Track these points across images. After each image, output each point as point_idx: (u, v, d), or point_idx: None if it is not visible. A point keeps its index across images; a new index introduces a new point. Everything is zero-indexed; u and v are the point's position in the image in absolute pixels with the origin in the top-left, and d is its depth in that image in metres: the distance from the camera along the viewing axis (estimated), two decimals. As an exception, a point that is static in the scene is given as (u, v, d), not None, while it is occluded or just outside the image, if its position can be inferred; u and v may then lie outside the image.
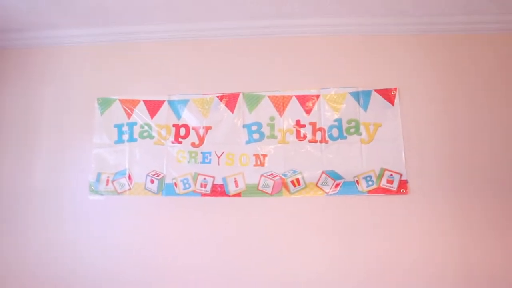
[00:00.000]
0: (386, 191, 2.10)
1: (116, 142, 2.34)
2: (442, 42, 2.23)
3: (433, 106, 2.16)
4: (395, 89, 2.18)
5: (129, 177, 2.29)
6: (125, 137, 2.34)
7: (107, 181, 2.30)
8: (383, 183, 2.11)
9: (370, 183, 2.12)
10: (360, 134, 2.16)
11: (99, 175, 2.31)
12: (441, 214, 2.06)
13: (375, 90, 2.19)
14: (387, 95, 2.18)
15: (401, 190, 2.09)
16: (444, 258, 2.02)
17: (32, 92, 2.46)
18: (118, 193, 2.28)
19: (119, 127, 2.35)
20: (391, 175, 2.11)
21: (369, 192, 2.11)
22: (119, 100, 2.38)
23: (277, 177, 2.17)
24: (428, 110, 2.16)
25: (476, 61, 2.19)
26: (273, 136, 2.21)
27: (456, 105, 2.15)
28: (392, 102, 2.17)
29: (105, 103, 2.39)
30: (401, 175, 2.10)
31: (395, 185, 2.10)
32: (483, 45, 2.20)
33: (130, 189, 2.28)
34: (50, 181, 2.35)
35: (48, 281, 2.24)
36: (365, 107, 2.18)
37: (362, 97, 2.19)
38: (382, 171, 2.11)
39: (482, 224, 2.04)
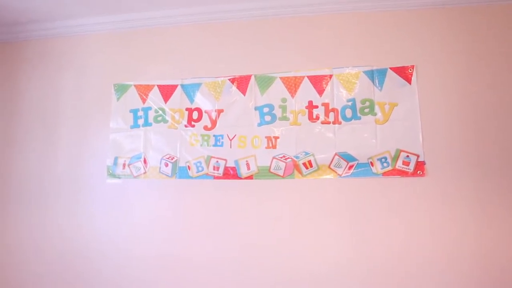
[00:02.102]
0: (401, 173, 2.03)
1: (132, 127, 2.39)
2: (463, 15, 2.10)
3: (453, 84, 2.05)
4: (412, 66, 2.09)
5: (145, 161, 2.33)
6: (140, 121, 2.38)
7: (124, 165, 2.36)
8: (399, 164, 2.04)
9: (385, 164, 2.05)
10: (375, 114, 2.09)
11: (116, 159, 2.37)
12: (460, 197, 1.96)
13: (391, 68, 2.11)
14: (404, 73, 2.10)
15: (418, 172, 2.01)
16: (461, 243, 1.93)
17: (52, 81, 2.55)
18: (134, 177, 2.34)
19: (134, 112, 2.40)
20: (407, 156, 2.03)
21: (384, 174, 2.05)
22: (134, 85, 2.42)
23: (289, 159, 2.14)
24: (447, 88, 2.06)
25: (499, 35, 2.06)
26: (285, 118, 2.18)
27: (477, 83, 2.03)
28: (409, 80, 2.09)
29: (121, 89, 2.43)
30: (418, 156, 2.02)
31: (411, 167, 2.02)
32: (507, 17, 2.06)
33: (145, 172, 2.32)
34: (70, 165, 2.44)
35: (68, 257, 2.34)
36: (380, 86, 2.11)
37: (377, 75, 2.12)
38: (398, 152, 2.04)
39: (501, 208, 1.92)
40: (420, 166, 2.01)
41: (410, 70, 2.10)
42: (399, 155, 2.04)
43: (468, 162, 1.97)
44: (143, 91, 2.40)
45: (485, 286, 1.88)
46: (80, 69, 2.53)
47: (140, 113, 2.39)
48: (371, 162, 2.06)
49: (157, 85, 2.38)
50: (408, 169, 2.02)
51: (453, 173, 1.98)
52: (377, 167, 2.05)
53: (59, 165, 2.45)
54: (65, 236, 2.37)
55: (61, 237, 2.37)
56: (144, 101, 2.39)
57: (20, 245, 2.43)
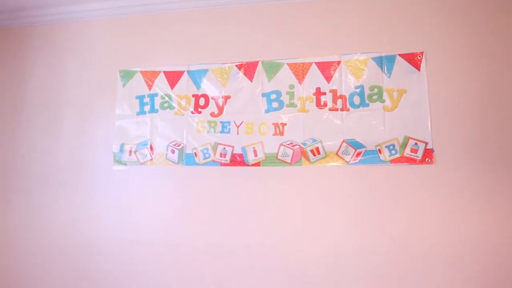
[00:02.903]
0: (410, 160, 2.02)
1: (138, 113, 2.38)
2: (472, 2, 2.07)
3: (462, 71, 2.03)
4: (422, 53, 2.07)
5: (151, 148, 2.32)
6: (147, 108, 2.37)
7: (130, 151, 2.35)
8: (407, 152, 2.03)
9: (393, 152, 2.04)
10: (383, 101, 2.08)
11: (122, 145, 2.37)
12: (468, 186, 1.96)
13: (400, 55, 2.09)
14: (413, 60, 2.08)
15: (426, 160, 2.00)
16: (467, 231, 1.93)
17: (56, 66, 2.54)
18: (141, 163, 2.33)
19: (140, 98, 2.38)
20: (416, 143, 2.02)
21: (392, 161, 2.04)
22: (140, 72, 2.40)
23: (296, 146, 2.13)
24: (457, 75, 2.03)
25: (510, 21, 2.02)
26: (292, 105, 2.17)
27: (487, 69, 2.01)
28: (418, 67, 2.07)
29: (127, 75, 2.42)
30: (426, 143, 2.01)
31: (419, 154, 2.01)
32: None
33: (152, 159, 2.32)
34: (76, 152, 2.43)
35: (73, 246, 2.34)
36: (388, 73, 2.09)
37: (385, 62, 2.10)
38: (406, 139, 2.03)
39: (509, 196, 1.91)
40: (428, 154, 2.00)
41: (419, 56, 2.08)
42: (407, 142, 2.03)
43: (477, 150, 1.96)
44: (149, 77, 2.38)
45: (489, 274, 1.89)
46: (85, 55, 2.51)
47: (146, 100, 2.37)
48: (379, 150, 2.05)
49: (163, 72, 2.37)
50: (416, 156, 2.01)
51: (462, 161, 1.97)
52: (385, 155, 2.05)
53: (64, 152, 2.45)
54: (71, 224, 2.37)
55: (66, 225, 2.38)
56: (150, 87, 2.37)
57: (24, 234, 2.43)
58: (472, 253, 1.91)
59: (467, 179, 1.95)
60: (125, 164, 2.35)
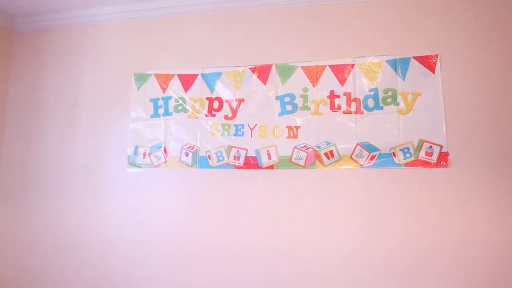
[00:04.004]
0: (424, 163, 2.02)
1: (152, 116, 2.40)
2: (487, 3, 2.05)
3: (478, 74, 2.02)
4: (436, 56, 2.06)
5: (165, 150, 2.34)
6: (161, 111, 2.39)
7: (144, 154, 2.38)
8: (422, 155, 2.02)
9: (407, 155, 2.04)
10: (398, 104, 2.08)
11: (136, 148, 2.39)
12: (483, 189, 1.94)
13: (414, 58, 2.08)
14: (427, 62, 2.07)
15: (441, 163, 2.00)
16: (484, 234, 1.91)
17: (72, 70, 2.57)
18: (155, 166, 2.35)
19: (154, 101, 2.41)
20: (431, 147, 2.01)
21: (406, 164, 2.04)
22: (154, 75, 2.42)
23: (310, 149, 2.14)
24: (472, 78, 2.02)
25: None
26: (306, 108, 2.18)
27: (502, 72, 1.99)
28: (432, 70, 2.06)
29: (141, 78, 2.44)
30: (441, 147, 2.00)
31: (434, 158, 2.01)
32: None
33: (166, 162, 2.34)
34: (91, 154, 2.46)
35: (87, 246, 2.37)
36: (403, 75, 2.09)
37: (399, 65, 2.09)
38: (421, 142, 2.02)
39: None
40: (443, 157, 1.99)
41: (434, 59, 2.07)
42: (422, 145, 2.02)
43: (492, 153, 1.95)
44: (163, 80, 2.40)
45: (509, 275, 1.87)
46: (99, 58, 2.54)
47: (160, 103, 2.39)
48: (393, 153, 2.05)
49: (177, 75, 2.38)
50: (431, 159, 2.01)
51: (477, 165, 1.96)
52: (400, 158, 2.04)
53: (79, 154, 2.48)
54: (84, 225, 2.40)
55: (80, 225, 2.41)
56: (164, 90, 2.40)
57: (39, 234, 2.47)
58: (489, 256, 1.89)
59: (483, 183, 1.94)
60: (139, 167, 2.38)
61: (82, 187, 2.44)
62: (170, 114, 2.37)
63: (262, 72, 2.25)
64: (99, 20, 2.54)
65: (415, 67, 2.08)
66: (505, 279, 1.88)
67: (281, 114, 2.21)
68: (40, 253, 2.45)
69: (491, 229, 1.91)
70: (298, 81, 2.20)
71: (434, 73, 2.06)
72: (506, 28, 2.02)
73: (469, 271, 1.90)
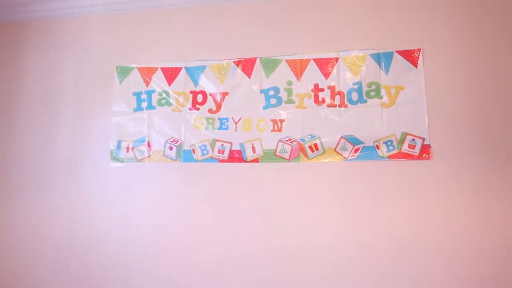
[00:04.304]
0: (407, 156, 2.04)
1: (135, 110, 2.36)
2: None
3: (459, 68, 2.05)
4: (419, 50, 2.09)
5: (148, 144, 2.31)
6: (144, 104, 2.35)
7: (127, 148, 2.34)
8: (405, 147, 2.04)
9: (390, 148, 2.05)
10: (381, 97, 2.09)
11: (119, 142, 2.35)
12: (465, 181, 1.97)
13: (397, 52, 2.10)
14: (410, 56, 2.09)
15: (424, 155, 2.02)
16: (466, 226, 1.94)
17: (53, 63, 2.52)
18: (138, 160, 2.32)
19: (137, 95, 2.37)
20: (413, 139, 2.03)
21: (390, 157, 2.05)
22: (137, 68, 2.39)
23: (294, 142, 2.14)
24: (453, 72, 2.05)
25: (505, 19, 2.05)
26: (290, 101, 2.18)
27: (483, 66, 2.03)
28: (415, 63, 2.08)
29: (123, 72, 2.40)
30: (423, 139, 2.02)
31: (417, 150, 2.03)
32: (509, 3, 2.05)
33: (149, 156, 2.31)
34: (73, 149, 2.41)
35: (68, 246, 2.33)
36: (386, 69, 2.10)
37: (383, 59, 2.11)
38: (404, 135, 2.04)
39: (507, 190, 1.94)
40: (425, 149, 2.02)
41: (417, 53, 2.09)
42: (405, 138, 2.04)
43: (473, 145, 1.98)
44: (146, 73, 2.37)
45: (490, 268, 1.91)
46: (81, 51, 2.49)
47: (144, 96, 2.36)
48: (377, 145, 2.07)
49: (161, 68, 2.36)
50: (414, 152, 2.03)
51: (459, 157, 1.99)
52: (383, 150, 2.06)
53: (60, 149, 2.43)
54: (67, 221, 2.35)
55: (63, 221, 2.36)
56: (147, 84, 2.36)
57: (20, 231, 2.41)
58: (470, 247, 1.92)
59: (464, 174, 1.97)
60: (122, 161, 2.34)
61: (64, 182, 2.39)
62: (154, 107, 2.34)
63: (247, 66, 2.25)
64: (80, 12, 2.50)
65: (398, 61, 2.10)
66: (487, 270, 1.91)
67: (265, 107, 2.20)
68: (21, 250, 2.39)
69: (472, 220, 1.94)
70: (282, 75, 2.20)
71: (416, 67, 2.08)
72: (487, 24, 2.05)
73: (451, 262, 1.93)
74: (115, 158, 2.35)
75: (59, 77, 2.49)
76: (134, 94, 2.38)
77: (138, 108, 2.36)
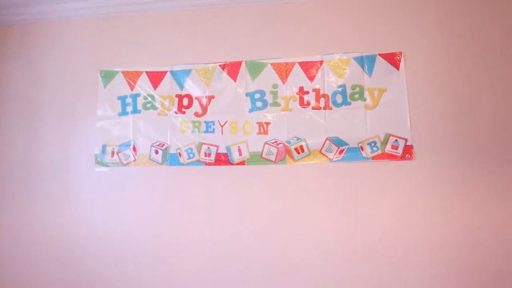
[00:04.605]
0: (390, 156, 2.08)
1: (120, 114, 2.35)
2: (450, 3, 2.15)
3: (440, 71, 2.11)
4: (401, 53, 2.14)
5: (134, 148, 2.30)
6: (129, 108, 2.34)
7: (112, 152, 2.32)
8: (388, 148, 2.09)
9: (374, 149, 2.10)
10: (365, 99, 2.13)
11: (104, 147, 2.33)
12: (446, 180, 2.03)
13: (380, 55, 2.15)
14: (392, 59, 2.14)
15: (406, 156, 2.07)
16: (447, 223, 2.00)
17: (35, 66, 2.47)
18: (124, 164, 2.30)
19: (122, 99, 2.36)
20: (396, 140, 2.08)
21: (374, 158, 2.09)
22: (122, 72, 2.38)
23: (280, 145, 2.16)
24: (434, 74, 2.11)
25: (486, 22, 2.12)
26: (276, 104, 2.20)
27: (463, 68, 2.09)
28: (397, 66, 2.13)
29: (108, 76, 2.38)
30: (406, 140, 2.07)
31: (400, 151, 2.08)
32: (494, 5, 2.12)
33: (135, 160, 2.29)
34: (56, 154, 2.38)
35: (54, 252, 2.29)
36: (369, 72, 2.15)
37: (366, 62, 2.15)
38: (387, 136, 2.09)
39: (485, 189, 2.00)
40: (408, 150, 2.07)
41: (398, 56, 2.14)
42: (388, 139, 2.09)
43: (454, 146, 2.04)
44: (131, 77, 2.36)
45: (472, 264, 1.96)
46: (64, 55, 2.46)
47: (129, 100, 2.35)
48: (361, 147, 2.10)
49: (146, 72, 2.35)
50: (397, 153, 2.07)
51: (440, 157, 2.04)
52: (367, 151, 2.10)
53: (43, 154, 2.39)
54: (52, 226, 2.32)
55: (47, 227, 2.32)
56: (132, 87, 2.35)
57: (3, 238, 2.35)
58: (452, 244, 1.98)
59: (445, 173, 2.03)
60: (107, 166, 2.32)
61: (47, 188, 2.35)
62: (139, 111, 2.33)
63: (232, 69, 2.26)
64: (64, 15, 2.46)
65: (380, 64, 2.15)
66: (468, 266, 1.96)
67: (251, 110, 2.22)
68: (5, 256, 2.34)
69: (451, 217, 2.00)
70: (268, 78, 2.22)
71: (398, 69, 2.13)
72: (465, 28, 2.12)
73: (433, 259, 1.98)
74: (100, 163, 2.32)
75: (40, 80, 2.46)
76: (119, 98, 2.36)
77: (123, 112, 2.34)
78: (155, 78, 2.33)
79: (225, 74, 2.26)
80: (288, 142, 2.15)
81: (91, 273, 2.25)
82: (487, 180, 2.01)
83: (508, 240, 1.96)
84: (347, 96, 2.15)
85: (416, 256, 2.00)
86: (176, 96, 2.30)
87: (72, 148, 2.37)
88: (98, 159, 2.32)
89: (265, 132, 2.18)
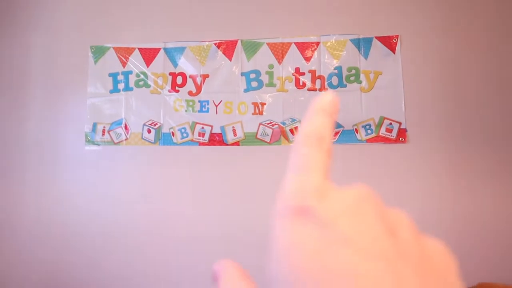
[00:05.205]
0: (385, 139, 2.10)
1: (112, 92, 2.29)
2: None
3: (435, 55, 2.12)
4: (397, 36, 2.14)
5: (126, 127, 2.25)
6: (121, 86, 2.28)
7: (103, 131, 2.27)
8: (382, 131, 2.10)
9: (369, 131, 2.11)
10: (360, 82, 2.13)
11: (94, 125, 2.28)
12: (439, 163, 2.06)
13: (376, 37, 2.14)
14: (388, 42, 2.14)
15: (400, 139, 2.09)
16: (441, 207, 2.04)
17: (21, 40, 2.38)
18: (115, 143, 2.26)
19: (114, 76, 2.30)
20: (390, 123, 2.09)
21: (368, 140, 2.10)
22: (114, 48, 2.31)
23: (275, 126, 2.15)
24: (429, 58, 2.12)
25: (482, 8, 2.13)
26: (271, 84, 2.18)
27: (458, 52, 2.11)
28: (393, 50, 2.13)
29: (98, 52, 2.32)
30: (400, 123, 2.09)
31: (394, 134, 2.09)
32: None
33: (126, 139, 2.25)
34: (44, 132, 2.31)
35: (43, 234, 2.24)
36: (365, 54, 2.14)
37: (363, 44, 2.15)
38: (382, 119, 2.10)
39: (476, 173, 2.04)
40: (402, 133, 2.08)
41: (395, 40, 2.14)
42: (382, 122, 2.10)
43: (448, 130, 2.07)
44: (123, 54, 2.30)
45: (464, 251, 2.00)
46: (52, 29, 2.37)
47: (120, 77, 2.29)
48: (355, 129, 2.11)
49: (138, 48, 2.29)
50: (391, 136, 2.09)
51: (434, 141, 2.07)
52: (362, 134, 2.11)
53: (30, 132, 2.31)
54: (39, 207, 2.26)
55: (34, 208, 2.26)
56: (124, 64, 2.29)
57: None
58: (446, 225, 2.02)
59: (439, 157, 2.06)
60: (98, 144, 2.27)
61: (35, 167, 2.29)
62: (131, 89, 2.28)
63: (228, 48, 2.22)
64: (51, -13, 2.37)
65: (377, 47, 2.14)
66: (461, 249, 2.00)
67: (246, 90, 2.19)
68: (-13, 237, 2.28)
69: (446, 200, 2.04)
70: (263, 58, 2.19)
71: (394, 53, 2.13)
72: (463, 13, 2.13)
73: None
74: (90, 141, 2.27)
75: (27, 55, 2.37)
76: (110, 75, 2.30)
77: (115, 90, 2.29)
78: (148, 55, 2.28)
79: (220, 52, 2.22)
80: (283, 123, 2.14)
81: (79, 255, 2.21)
82: (476, 164, 2.04)
83: (496, 222, 2.01)
84: (343, 78, 2.14)
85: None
86: (170, 74, 2.25)
87: (61, 126, 2.31)
88: (89, 138, 2.27)
89: (260, 113, 2.17)
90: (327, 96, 0.28)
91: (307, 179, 0.24)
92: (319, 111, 0.26)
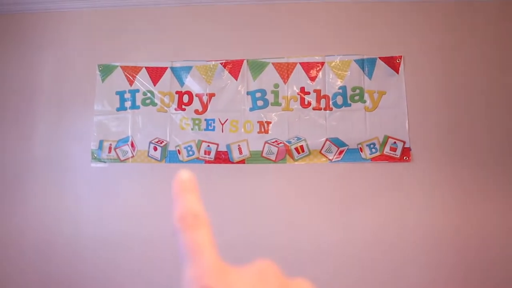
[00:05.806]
0: (389, 158, 2.12)
1: (118, 109, 2.32)
2: (449, 9, 2.21)
3: (438, 75, 2.16)
4: (400, 57, 2.18)
5: (132, 145, 2.27)
6: (128, 104, 2.31)
7: (110, 148, 2.29)
8: (387, 150, 2.12)
9: (373, 150, 2.13)
10: (364, 101, 2.16)
11: (101, 142, 2.30)
12: (443, 182, 2.08)
13: (380, 58, 2.18)
14: (392, 63, 2.18)
15: (404, 158, 2.11)
16: (444, 225, 2.05)
17: (31, 59, 2.42)
18: (121, 161, 2.27)
19: (121, 94, 2.33)
20: (395, 142, 2.12)
21: (373, 159, 2.13)
22: (121, 67, 2.35)
23: (281, 144, 2.17)
24: (433, 78, 2.16)
25: (484, 29, 2.18)
26: (277, 103, 2.21)
27: (460, 72, 2.15)
28: (396, 70, 2.17)
29: (106, 70, 2.35)
30: (404, 142, 2.11)
31: (398, 153, 2.11)
32: (491, 12, 2.18)
33: (133, 156, 2.27)
34: (51, 149, 2.33)
35: (49, 250, 2.24)
36: (369, 75, 2.18)
37: (367, 64, 2.18)
38: (386, 138, 2.12)
39: (481, 192, 2.06)
40: (406, 152, 2.11)
41: (398, 60, 2.18)
42: (386, 141, 2.12)
43: (451, 149, 2.09)
44: (130, 72, 2.33)
45: (467, 266, 2.01)
46: (61, 48, 2.41)
47: (127, 95, 2.32)
48: (360, 148, 2.13)
49: (145, 67, 2.33)
50: (395, 154, 2.11)
51: (438, 159, 2.09)
52: (366, 153, 2.13)
53: (38, 149, 2.33)
54: (46, 224, 2.27)
55: (41, 224, 2.27)
56: (131, 83, 2.32)
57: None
58: (448, 247, 2.02)
59: (443, 176, 2.08)
60: (104, 162, 2.29)
61: (42, 184, 2.30)
62: (138, 107, 2.31)
63: (234, 67, 2.26)
64: (63, 7, 2.42)
65: (380, 67, 2.18)
66: (466, 266, 2.01)
67: (252, 109, 2.22)
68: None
69: (449, 218, 2.05)
70: (269, 77, 2.23)
71: (398, 73, 2.17)
72: (464, 31, 2.17)
73: (430, 260, 2.02)
74: (97, 158, 2.29)
75: (36, 74, 2.40)
76: (117, 93, 2.33)
77: (122, 108, 2.32)
78: (155, 74, 2.31)
79: (226, 72, 2.26)
80: (289, 142, 2.17)
81: (84, 271, 2.21)
82: (481, 183, 2.06)
83: (500, 241, 2.01)
84: (348, 97, 2.18)
85: (413, 257, 2.04)
86: (176, 92, 2.28)
87: (68, 144, 2.33)
88: (95, 155, 2.29)
89: (266, 131, 2.19)
90: (183, 176, 0.30)
91: (203, 263, 0.25)
92: (182, 192, 0.28)
